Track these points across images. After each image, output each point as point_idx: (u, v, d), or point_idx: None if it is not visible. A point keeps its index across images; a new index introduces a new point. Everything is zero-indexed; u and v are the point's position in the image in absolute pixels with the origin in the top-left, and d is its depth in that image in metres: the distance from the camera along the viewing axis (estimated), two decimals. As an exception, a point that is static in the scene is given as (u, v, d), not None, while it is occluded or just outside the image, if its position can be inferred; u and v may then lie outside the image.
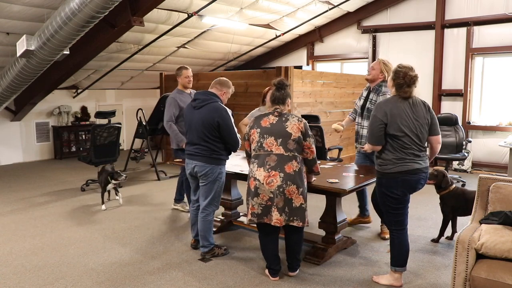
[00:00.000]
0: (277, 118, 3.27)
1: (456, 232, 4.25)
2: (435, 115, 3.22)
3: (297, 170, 3.22)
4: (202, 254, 3.85)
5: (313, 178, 3.60)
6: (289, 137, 3.21)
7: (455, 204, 4.07)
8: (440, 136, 3.25)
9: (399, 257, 3.27)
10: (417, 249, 4.00)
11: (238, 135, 3.73)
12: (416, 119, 3.09)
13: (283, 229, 3.44)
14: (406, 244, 3.28)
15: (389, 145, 3.11)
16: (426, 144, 3.20)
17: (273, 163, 3.21)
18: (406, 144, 3.07)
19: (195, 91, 5.11)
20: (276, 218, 3.22)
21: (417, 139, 3.09)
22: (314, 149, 3.32)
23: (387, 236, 4.63)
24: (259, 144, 3.28)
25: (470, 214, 3.47)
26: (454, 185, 4.13)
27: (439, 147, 3.26)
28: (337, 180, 3.68)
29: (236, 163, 4.46)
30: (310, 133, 3.30)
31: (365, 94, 4.41)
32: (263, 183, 3.21)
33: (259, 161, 3.26)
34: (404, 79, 3.09)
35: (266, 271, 3.48)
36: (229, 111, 3.68)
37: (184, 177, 4.87)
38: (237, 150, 3.87)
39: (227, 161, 3.84)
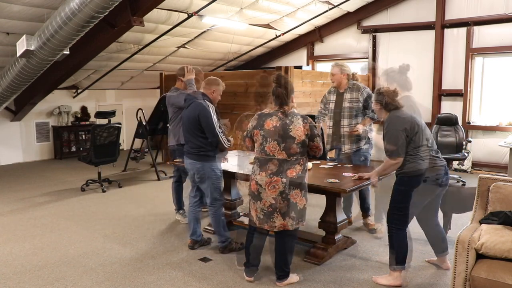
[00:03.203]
0: (280, 121, 3.14)
1: (450, 229, 4.28)
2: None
3: (300, 173, 3.15)
4: (220, 249, 3.95)
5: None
6: (292, 141, 3.10)
7: (451, 202, 4.07)
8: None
9: (398, 255, 3.27)
10: (416, 248, 3.99)
11: (222, 132, 3.81)
12: (424, 125, 3.26)
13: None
14: (406, 243, 3.29)
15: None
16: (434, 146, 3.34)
17: (275, 168, 3.12)
18: (420, 146, 3.20)
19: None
20: (280, 223, 3.16)
21: (427, 142, 3.25)
22: (322, 147, 3.27)
23: (375, 227, 4.66)
24: (261, 147, 3.19)
25: (467, 211, 3.48)
26: None
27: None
28: (337, 180, 3.67)
29: (235, 163, 4.46)
30: (316, 132, 3.18)
31: (333, 97, 4.56)
32: (265, 189, 3.15)
33: (261, 164, 3.19)
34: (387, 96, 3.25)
35: (244, 273, 3.42)
36: (212, 108, 3.84)
37: (174, 180, 4.92)
38: (225, 148, 3.85)
39: (226, 161, 3.96)
